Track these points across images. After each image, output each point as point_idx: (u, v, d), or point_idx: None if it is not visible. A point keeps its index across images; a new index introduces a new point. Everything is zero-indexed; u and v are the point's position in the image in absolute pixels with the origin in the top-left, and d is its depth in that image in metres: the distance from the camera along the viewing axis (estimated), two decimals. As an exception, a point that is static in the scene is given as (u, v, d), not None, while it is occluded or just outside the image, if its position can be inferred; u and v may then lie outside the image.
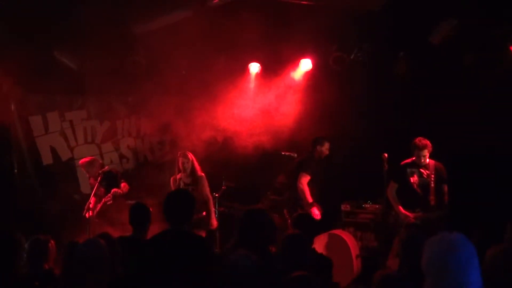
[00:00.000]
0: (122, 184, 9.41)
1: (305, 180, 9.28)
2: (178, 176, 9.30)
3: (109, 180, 9.39)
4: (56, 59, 9.81)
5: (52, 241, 5.71)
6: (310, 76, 10.58)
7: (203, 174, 9.30)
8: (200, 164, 9.44)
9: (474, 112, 9.12)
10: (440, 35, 9.05)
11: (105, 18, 8.43)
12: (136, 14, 8.94)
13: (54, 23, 8.65)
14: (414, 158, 8.63)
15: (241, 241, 5.34)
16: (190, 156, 9.27)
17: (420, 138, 8.51)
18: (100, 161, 10.07)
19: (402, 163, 8.74)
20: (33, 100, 10.79)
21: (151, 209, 6.54)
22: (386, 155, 8.68)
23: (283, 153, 10.23)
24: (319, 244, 8.18)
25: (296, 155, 10.10)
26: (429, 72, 9.68)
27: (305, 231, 5.71)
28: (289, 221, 8.69)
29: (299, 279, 4.07)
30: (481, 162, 9.20)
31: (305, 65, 10.54)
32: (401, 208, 8.58)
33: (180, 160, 9.23)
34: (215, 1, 8.74)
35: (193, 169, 9.25)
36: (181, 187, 9.15)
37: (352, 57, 10.10)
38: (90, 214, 8.98)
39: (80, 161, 9.93)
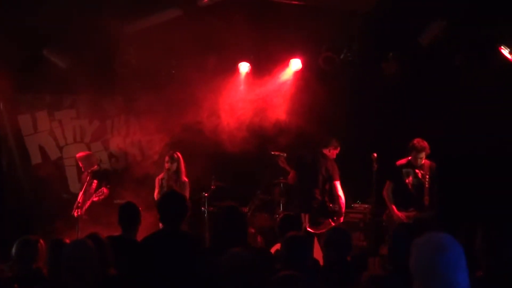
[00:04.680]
0: (105, 190, 9.35)
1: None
2: (160, 176, 9.26)
3: (99, 178, 9.39)
4: (45, 58, 9.78)
5: (42, 241, 5.68)
6: (300, 75, 10.58)
7: (187, 179, 9.33)
8: (190, 164, 9.44)
9: (463, 112, 9.16)
10: (430, 35, 9.08)
11: (95, 17, 8.41)
12: (126, 13, 8.92)
13: (43, 21, 8.61)
14: (409, 158, 8.64)
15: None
16: (177, 157, 9.28)
17: (418, 139, 8.50)
18: (97, 158, 10.09)
19: (398, 163, 8.75)
20: (22, 99, 10.77)
21: (140, 209, 6.53)
22: (375, 154, 8.73)
23: (272, 152, 10.23)
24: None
25: (285, 154, 10.11)
26: (419, 72, 9.71)
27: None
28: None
29: (287, 278, 4.08)
30: (470, 161, 9.25)
31: (295, 64, 10.53)
32: (395, 209, 8.60)
33: (166, 160, 9.24)
34: (205, 1, 8.74)
35: (178, 171, 9.26)
36: (164, 188, 9.12)
37: (341, 57, 10.11)
38: (79, 212, 8.98)
39: (78, 154, 9.95)
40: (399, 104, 10.02)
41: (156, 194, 9.21)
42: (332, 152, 9.27)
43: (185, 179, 9.30)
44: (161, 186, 9.20)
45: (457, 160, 9.22)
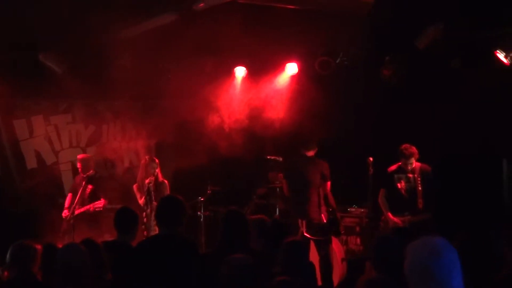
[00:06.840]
0: (102, 201, 9.31)
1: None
2: (147, 181, 9.21)
3: (95, 184, 9.36)
4: (41, 63, 9.76)
5: (36, 246, 5.66)
6: (296, 80, 10.58)
7: (165, 180, 9.38)
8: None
9: (460, 115, 9.17)
10: (426, 39, 9.09)
11: (91, 22, 8.40)
12: (122, 18, 8.90)
13: (39, 26, 8.59)
14: (400, 164, 8.65)
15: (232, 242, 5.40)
16: (157, 161, 9.32)
17: (406, 146, 8.51)
18: (94, 164, 10.10)
19: (389, 170, 8.75)
20: (18, 104, 10.75)
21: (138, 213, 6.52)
22: (371, 159, 8.73)
23: (268, 157, 10.23)
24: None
25: (281, 159, 10.10)
26: (415, 75, 9.71)
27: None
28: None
29: (284, 283, 4.07)
30: (466, 164, 9.26)
31: (291, 69, 10.53)
32: (390, 215, 8.59)
33: (150, 165, 9.24)
34: (200, 5, 8.72)
35: (157, 175, 9.29)
36: (151, 192, 9.10)
37: (337, 61, 10.10)
38: (67, 213, 9.00)
39: (79, 155, 9.92)
40: (396, 108, 10.01)
41: (142, 200, 9.18)
42: (312, 153, 9.16)
43: (164, 180, 9.38)
44: (148, 191, 9.14)
45: (453, 163, 9.22)
